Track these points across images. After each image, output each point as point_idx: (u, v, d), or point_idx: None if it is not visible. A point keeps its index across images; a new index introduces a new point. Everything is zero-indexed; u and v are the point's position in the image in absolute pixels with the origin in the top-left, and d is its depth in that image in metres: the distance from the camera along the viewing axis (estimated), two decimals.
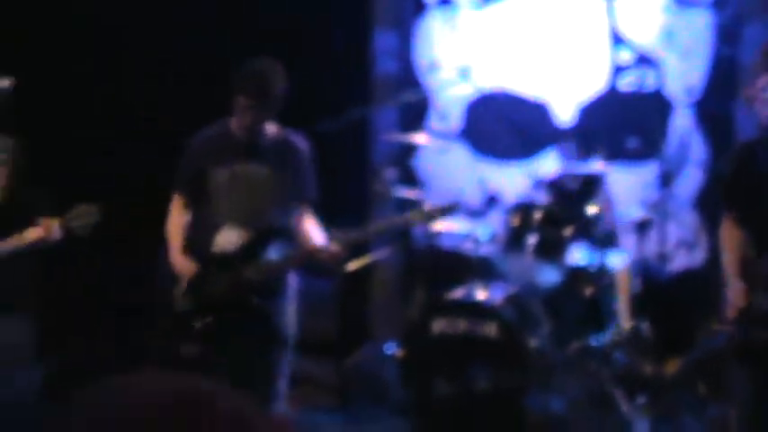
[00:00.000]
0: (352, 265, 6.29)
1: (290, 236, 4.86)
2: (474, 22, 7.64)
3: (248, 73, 4.68)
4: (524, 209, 6.05)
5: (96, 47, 7.41)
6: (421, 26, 7.85)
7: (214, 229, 4.74)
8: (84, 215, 4.62)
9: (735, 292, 3.71)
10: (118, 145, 7.11)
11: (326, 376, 6.51)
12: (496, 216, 6.70)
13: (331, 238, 4.78)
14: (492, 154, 7.39)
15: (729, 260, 3.86)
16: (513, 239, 5.98)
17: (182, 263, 4.76)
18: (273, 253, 4.79)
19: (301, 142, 4.96)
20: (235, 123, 4.80)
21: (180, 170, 4.92)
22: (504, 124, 7.39)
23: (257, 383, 4.68)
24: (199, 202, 4.85)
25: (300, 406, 6.19)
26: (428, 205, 5.48)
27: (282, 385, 4.93)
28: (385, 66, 7.90)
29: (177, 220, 4.85)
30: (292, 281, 4.96)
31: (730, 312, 3.77)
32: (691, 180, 7.01)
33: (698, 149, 7.01)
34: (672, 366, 6.09)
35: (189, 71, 7.34)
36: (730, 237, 3.90)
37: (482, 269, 6.14)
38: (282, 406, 4.90)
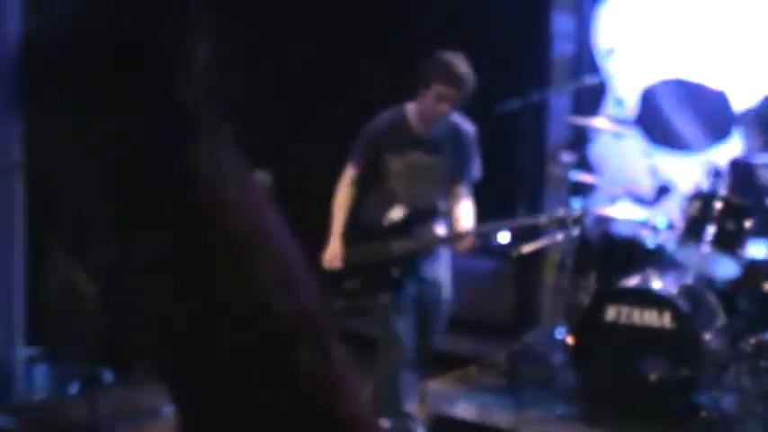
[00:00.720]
0: (526, 248, 6.36)
1: (446, 216, 5.29)
2: (654, 7, 7.55)
3: (448, 64, 4.95)
4: (704, 198, 5.96)
5: None
6: (600, 10, 7.82)
7: (385, 207, 5.18)
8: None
9: None
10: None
11: (496, 357, 6.59)
12: (673, 205, 6.67)
13: (464, 229, 5.21)
14: (667, 143, 7.32)
15: None
16: (691, 229, 5.91)
17: (334, 243, 5.18)
18: (424, 231, 5.22)
19: (468, 127, 5.29)
20: (419, 110, 5.11)
21: (357, 149, 5.25)
22: (681, 113, 7.30)
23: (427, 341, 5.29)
24: (372, 181, 5.25)
25: (469, 385, 6.39)
26: (562, 212, 5.63)
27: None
28: (562, 49, 7.90)
29: (347, 191, 5.21)
30: (445, 255, 5.35)
31: None
32: None
33: None
34: None
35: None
36: None
37: (657, 258, 6.12)
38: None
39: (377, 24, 7.71)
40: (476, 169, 5.39)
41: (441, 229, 5.31)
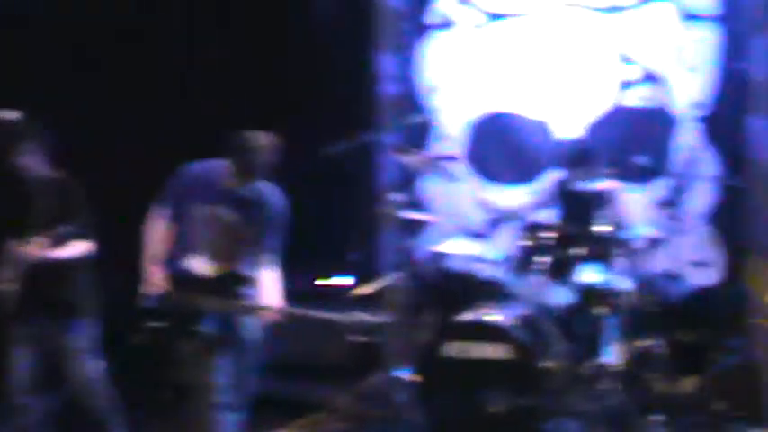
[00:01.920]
0: (361, 290, 6.33)
1: (252, 283, 5.15)
2: (476, 42, 7.72)
3: (240, 147, 5.03)
4: (535, 229, 6.08)
5: None
6: (422, 48, 7.94)
7: (187, 252, 5.11)
8: None
9: None
10: None
11: (342, 401, 6.48)
12: (506, 237, 6.81)
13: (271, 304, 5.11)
14: (495, 176, 7.50)
15: None
16: (525, 260, 6.02)
17: (157, 273, 5.12)
18: (234, 295, 5.10)
19: (278, 200, 5.21)
20: (225, 173, 5.13)
21: (170, 191, 5.20)
22: (506, 146, 7.49)
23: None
24: (178, 224, 5.17)
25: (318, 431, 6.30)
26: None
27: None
28: (388, 89, 7.94)
29: (160, 231, 5.16)
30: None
31: None
32: (702, 196, 7.07)
33: (708, 165, 7.07)
34: (688, 384, 6.12)
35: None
36: None
37: (493, 290, 6.21)
38: None
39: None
40: (276, 242, 5.23)
41: (251, 297, 5.18)
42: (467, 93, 7.32)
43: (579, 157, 6.65)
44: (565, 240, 6.01)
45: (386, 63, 7.99)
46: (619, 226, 6.54)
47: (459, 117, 7.73)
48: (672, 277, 6.22)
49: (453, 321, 6.06)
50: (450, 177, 6.89)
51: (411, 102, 7.90)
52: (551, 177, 7.21)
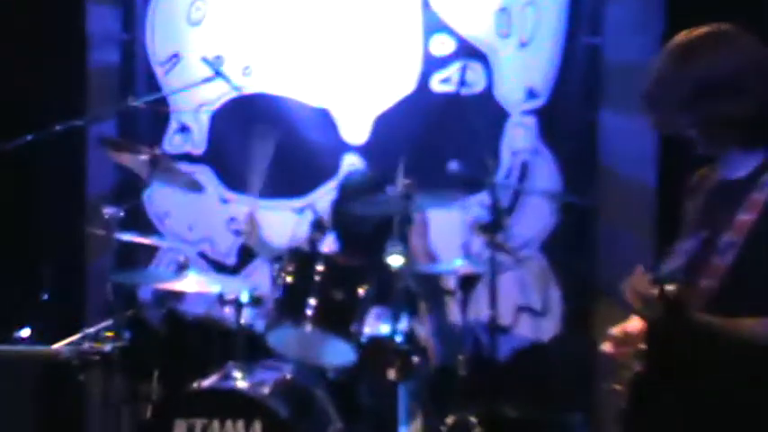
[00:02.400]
0: (60, 344, 6.21)
1: None
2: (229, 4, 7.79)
3: None
4: (302, 260, 6.00)
5: None
6: (154, 2, 7.94)
7: None
8: None
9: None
10: None
11: None
12: (261, 270, 6.88)
13: None
14: (251, 186, 7.27)
15: None
16: (287, 303, 5.92)
17: None
18: None
19: None
20: None
21: None
22: (267, 143, 7.23)
23: None
24: None
25: None
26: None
27: None
28: (103, 57, 8.00)
29: None
30: None
31: None
32: (536, 217, 7.27)
33: (545, 174, 7.26)
34: None
35: None
36: None
37: (243, 345, 6.07)
38: None
39: None
40: None
41: None
42: (218, 65, 7.19)
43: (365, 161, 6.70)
44: (346, 277, 5.98)
45: (101, 19, 8.01)
46: (420, 258, 6.72)
47: (206, 100, 7.77)
48: (493, 329, 6.22)
49: (187, 389, 5.97)
50: (191, 186, 6.75)
51: (139, 77, 7.91)
52: (330, 189, 7.46)
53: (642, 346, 3.44)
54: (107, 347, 6.12)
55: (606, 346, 3.61)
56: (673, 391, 3.39)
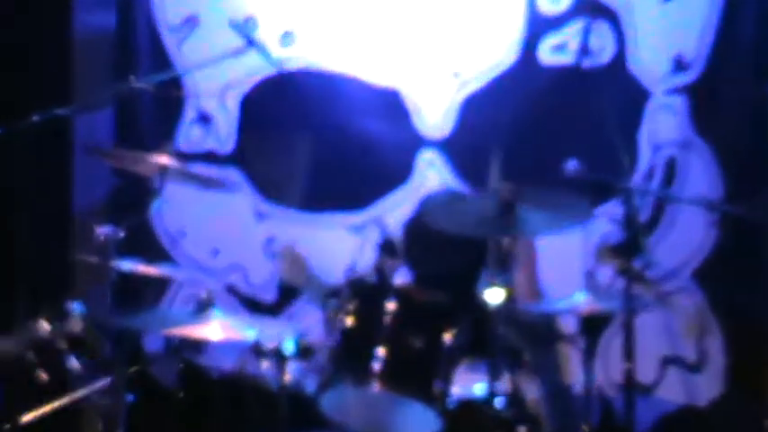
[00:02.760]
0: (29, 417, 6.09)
1: None
2: None
3: None
4: (366, 296, 5.93)
5: None
6: None
7: None
8: None
9: None
10: None
11: None
12: (310, 311, 6.85)
13: None
14: (291, 193, 7.51)
15: None
16: (348, 353, 5.85)
17: None
18: None
19: None
20: None
21: None
22: (323, 135, 7.45)
23: None
24: None
25: None
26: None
27: None
28: (93, 20, 7.94)
29: None
30: None
31: None
32: (688, 235, 7.08)
33: (701, 175, 7.06)
34: None
35: None
36: None
37: (286, 410, 6.04)
38: None
39: None
40: None
41: None
42: (249, 32, 7.09)
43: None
44: (426, 318, 5.86)
45: None
46: (524, 295, 6.80)
47: (234, 80, 7.73)
48: (630, 389, 6.06)
49: None
50: (215, 185, 6.79)
51: (138, 48, 7.87)
52: (402, 198, 7.56)
53: None
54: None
55: None
56: None
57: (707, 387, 7.00)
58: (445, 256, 6.63)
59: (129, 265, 6.30)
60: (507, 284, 5.97)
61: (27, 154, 6.77)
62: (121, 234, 6.18)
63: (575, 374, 6.65)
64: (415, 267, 6.83)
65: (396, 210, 7.33)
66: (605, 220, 6.82)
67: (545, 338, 6.80)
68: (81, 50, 7.90)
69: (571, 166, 6.24)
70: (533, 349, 6.69)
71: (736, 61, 7.02)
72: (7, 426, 6.01)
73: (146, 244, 7.43)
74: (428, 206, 6.72)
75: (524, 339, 6.57)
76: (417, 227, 6.77)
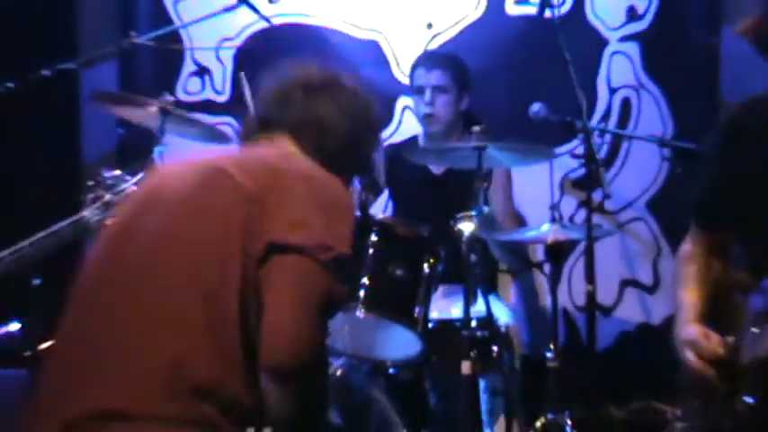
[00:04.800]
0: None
1: None
2: None
3: None
4: (352, 231, 5.95)
5: None
6: None
7: None
8: None
9: (695, 347, 3.64)
10: None
11: None
12: None
13: None
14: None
15: (687, 299, 3.76)
16: None
17: None
18: None
19: None
20: None
21: None
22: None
23: None
24: None
25: None
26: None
27: None
28: None
29: None
30: None
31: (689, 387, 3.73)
32: (643, 169, 7.27)
33: (653, 115, 7.24)
34: None
35: None
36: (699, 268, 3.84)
37: None
38: None
39: None
40: None
41: None
42: None
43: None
44: (406, 248, 5.88)
45: None
46: (505, 222, 6.83)
47: (227, 34, 7.82)
48: (592, 309, 6.19)
49: None
50: (215, 137, 6.70)
51: (138, 4, 7.96)
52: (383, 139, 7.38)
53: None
54: None
55: (693, 359, 3.56)
56: None
57: (661, 306, 7.12)
58: (424, 190, 6.86)
59: None
60: (482, 215, 6.08)
61: (38, 105, 6.81)
62: (126, 177, 5.85)
63: (543, 297, 6.79)
64: (395, 200, 7.05)
65: (379, 150, 7.15)
66: (568, 157, 6.99)
67: (519, 264, 6.90)
68: (86, 9, 7.93)
69: (536, 108, 6.39)
70: (509, 274, 6.82)
71: (684, 13, 7.15)
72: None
73: None
74: (414, 145, 6.92)
75: (501, 265, 6.77)
76: (399, 161, 6.85)
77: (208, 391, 3.37)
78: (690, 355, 3.53)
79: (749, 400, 3.39)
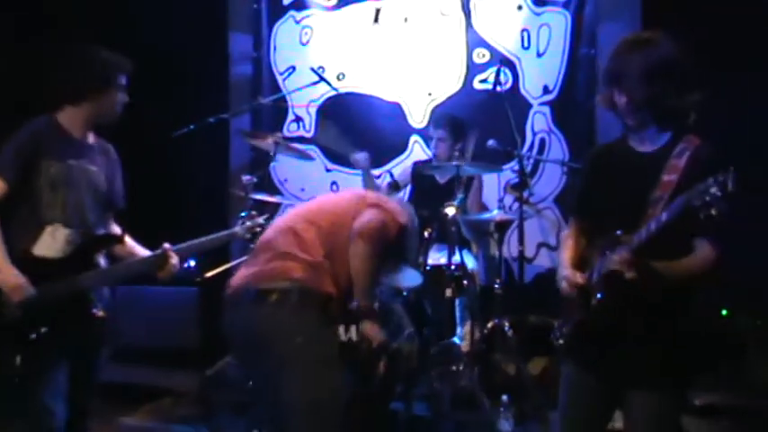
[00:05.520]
0: (211, 273, 6.08)
1: (115, 242, 4.40)
2: (328, 24, 7.70)
3: (119, 57, 4.29)
4: None
5: None
6: (276, 29, 7.88)
7: (39, 226, 4.14)
8: None
9: (568, 280, 3.53)
10: None
11: (189, 387, 6.37)
12: None
13: (166, 248, 4.39)
14: (346, 158, 7.40)
15: (565, 256, 3.66)
16: None
17: (9, 268, 4.01)
18: (103, 260, 4.34)
19: (114, 151, 4.52)
20: (87, 114, 4.28)
21: (6, 159, 4.10)
22: (357, 127, 7.46)
23: (89, 390, 4.26)
24: (23, 196, 4.15)
25: (163, 417, 6.07)
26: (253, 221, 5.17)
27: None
28: (240, 70, 7.95)
29: None
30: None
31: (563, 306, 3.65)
32: (551, 179, 7.16)
33: (558, 148, 7.15)
34: (536, 366, 6.16)
35: None
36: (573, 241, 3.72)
37: None
38: None
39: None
40: (124, 197, 4.55)
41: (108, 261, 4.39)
42: (321, 73, 7.20)
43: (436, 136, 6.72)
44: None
45: (239, 43, 7.95)
46: (475, 208, 6.69)
47: (313, 98, 7.69)
48: (521, 260, 6.21)
49: None
50: (304, 157, 6.71)
51: (264, 82, 7.87)
52: (404, 161, 7.43)
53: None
54: None
55: (565, 286, 3.59)
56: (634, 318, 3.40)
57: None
58: (430, 187, 6.75)
59: (259, 196, 6.09)
60: (460, 204, 6.05)
61: (207, 138, 6.54)
62: (255, 180, 5.92)
63: (494, 252, 6.59)
64: (413, 194, 6.91)
65: (398, 167, 7.30)
66: (510, 171, 6.88)
67: (480, 232, 6.78)
68: (234, 84, 7.91)
69: (491, 142, 6.38)
70: (474, 238, 6.75)
71: (575, 89, 7.08)
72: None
73: (267, 185, 7.31)
74: (428, 164, 6.79)
75: (473, 232, 6.67)
76: (420, 171, 6.76)
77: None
78: (564, 284, 3.55)
79: (599, 296, 3.39)
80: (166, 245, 4.37)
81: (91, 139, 4.36)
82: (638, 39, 3.41)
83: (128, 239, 4.41)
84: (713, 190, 2.90)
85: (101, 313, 4.20)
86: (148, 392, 6.37)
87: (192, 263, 5.74)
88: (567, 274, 3.56)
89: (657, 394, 3.37)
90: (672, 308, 3.35)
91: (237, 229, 4.91)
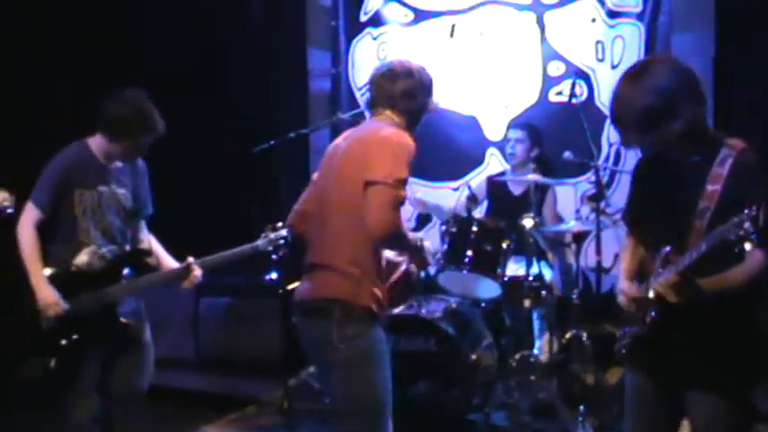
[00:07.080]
0: (293, 285, 6.12)
1: (147, 254, 4.84)
2: (405, 40, 7.70)
3: (149, 115, 4.60)
4: (461, 223, 5.96)
5: None
6: (354, 46, 7.91)
7: (76, 247, 4.62)
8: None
9: (625, 293, 3.55)
10: None
11: (271, 397, 6.42)
12: (433, 232, 6.76)
13: (190, 262, 4.76)
14: (425, 172, 7.44)
15: (623, 267, 3.71)
16: (451, 254, 5.89)
17: (46, 288, 4.53)
18: (134, 272, 4.73)
19: (142, 161, 4.91)
20: (107, 150, 4.68)
21: (46, 187, 4.60)
22: (435, 142, 7.40)
23: (129, 387, 4.77)
24: (60, 220, 4.63)
25: (245, 427, 6.12)
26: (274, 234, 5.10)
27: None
28: (319, 85, 7.99)
29: (33, 236, 4.55)
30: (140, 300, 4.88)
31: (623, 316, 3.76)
32: (626, 190, 7.02)
33: (632, 159, 6.95)
34: (613, 375, 5.97)
35: None
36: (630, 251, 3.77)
37: (421, 285, 6.12)
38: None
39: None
40: (152, 204, 5.01)
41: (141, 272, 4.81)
42: None
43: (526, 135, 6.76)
44: (490, 234, 5.91)
45: (317, 59, 7.99)
46: (551, 220, 6.67)
47: None
48: (598, 270, 6.14)
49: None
50: None
51: (343, 98, 7.90)
52: (481, 173, 7.39)
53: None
54: None
55: (623, 299, 3.57)
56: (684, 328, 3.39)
57: None
58: (507, 200, 6.75)
59: None
60: (536, 216, 6.13)
61: (288, 152, 6.68)
62: None
63: (571, 263, 6.48)
64: (489, 207, 6.88)
65: (476, 179, 7.25)
66: (586, 182, 6.89)
67: (557, 243, 6.80)
68: (314, 99, 7.98)
69: (567, 154, 6.34)
70: (551, 249, 6.73)
71: None
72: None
73: None
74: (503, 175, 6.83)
75: (547, 244, 6.64)
76: (492, 185, 6.85)
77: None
78: (621, 297, 3.57)
79: (653, 313, 3.41)
80: (190, 258, 4.75)
81: (118, 163, 4.76)
82: (627, 78, 3.36)
83: (156, 248, 4.91)
84: (746, 225, 2.90)
85: (126, 321, 4.67)
86: (231, 402, 6.44)
87: (274, 275, 5.80)
88: (624, 287, 3.57)
89: (715, 394, 3.35)
90: (726, 314, 3.33)
91: (259, 242, 4.96)
